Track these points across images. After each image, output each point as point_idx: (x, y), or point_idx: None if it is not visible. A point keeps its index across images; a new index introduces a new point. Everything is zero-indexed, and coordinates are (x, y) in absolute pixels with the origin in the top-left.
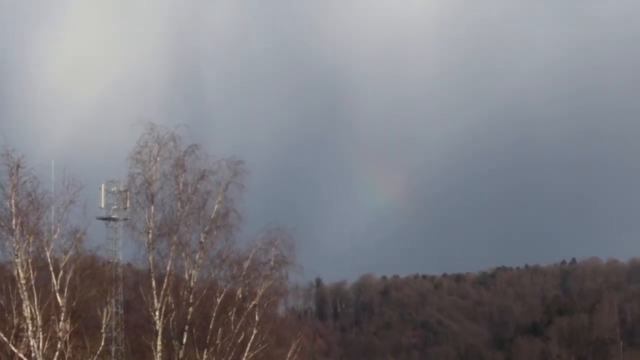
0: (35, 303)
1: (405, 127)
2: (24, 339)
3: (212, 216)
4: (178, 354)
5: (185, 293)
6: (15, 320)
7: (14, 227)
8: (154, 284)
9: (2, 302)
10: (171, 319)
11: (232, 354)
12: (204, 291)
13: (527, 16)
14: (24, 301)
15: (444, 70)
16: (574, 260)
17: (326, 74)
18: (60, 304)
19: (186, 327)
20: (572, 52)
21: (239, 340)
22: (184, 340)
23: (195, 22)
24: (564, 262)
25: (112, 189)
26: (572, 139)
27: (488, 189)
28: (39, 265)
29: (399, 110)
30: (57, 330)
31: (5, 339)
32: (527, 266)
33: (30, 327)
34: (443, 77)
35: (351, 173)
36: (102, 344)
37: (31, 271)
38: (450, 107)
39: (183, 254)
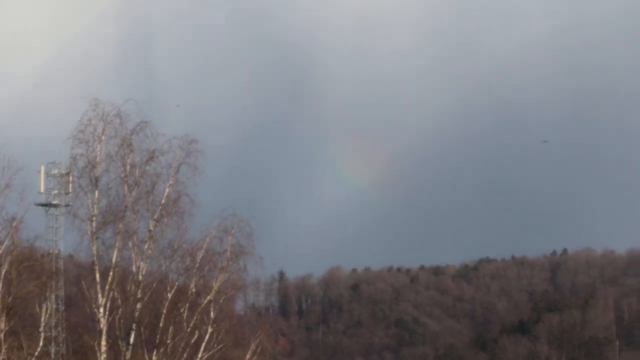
0: None
1: (380, 109)
2: None
3: (163, 201)
4: (125, 355)
5: (133, 287)
6: None
7: None
8: (98, 277)
9: None
10: (117, 316)
11: (185, 355)
12: (154, 285)
13: None
14: None
15: (421, 43)
16: (565, 251)
17: (292, 47)
18: None
19: (134, 326)
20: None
21: (193, 340)
22: (132, 340)
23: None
24: (554, 253)
25: (53, 172)
26: (562, 123)
27: (471, 175)
28: None
29: (373, 90)
30: None
31: None
32: (513, 258)
33: None
34: (421, 50)
35: (319, 160)
36: (41, 344)
37: None
38: (431, 87)
39: (130, 244)
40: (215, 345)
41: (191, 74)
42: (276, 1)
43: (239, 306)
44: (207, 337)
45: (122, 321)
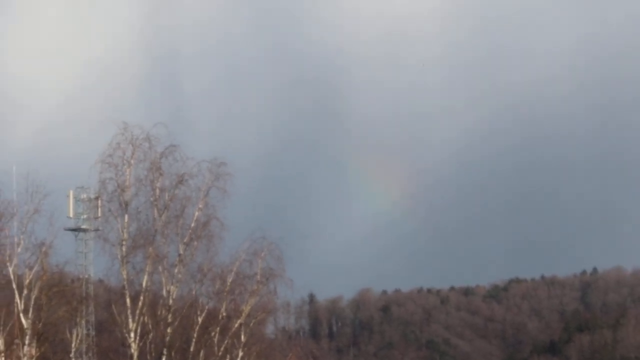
0: None
1: (408, 125)
2: None
3: (192, 225)
4: None
5: (164, 312)
6: None
7: None
8: (128, 302)
9: None
10: (148, 341)
11: None
12: (184, 309)
13: None
14: None
15: (450, 59)
16: (595, 270)
17: (320, 65)
18: (25, 326)
19: (164, 350)
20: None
21: None
22: None
23: (170, 10)
24: (584, 272)
25: (81, 197)
26: (592, 136)
27: (500, 193)
28: (1, 283)
29: (401, 107)
30: (22, 355)
31: None
32: (543, 277)
33: None
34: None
35: (347, 177)
36: None
37: None
38: (458, 103)
39: (160, 268)
40: None
41: (217, 87)
42: (305, 15)
43: (270, 329)
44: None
45: (152, 346)
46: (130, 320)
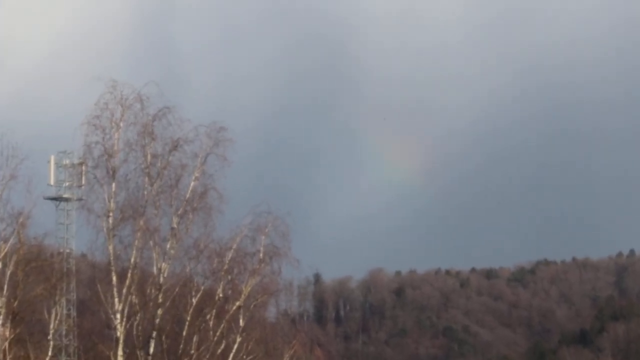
0: None
1: (425, 89)
2: None
3: (188, 196)
4: None
5: (154, 291)
6: None
7: None
8: (114, 279)
9: None
10: (135, 323)
11: None
12: (177, 289)
13: None
14: None
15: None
16: (632, 252)
17: (327, 24)
18: (0, 305)
19: (154, 334)
20: None
21: (219, 351)
22: (151, 349)
23: None
24: (620, 254)
25: (64, 162)
26: (625, 104)
27: (525, 166)
28: None
29: (417, 69)
30: None
31: None
32: (574, 260)
33: None
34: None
35: (357, 145)
36: (50, 353)
37: None
38: (480, 65)
39: (151, 243)
40: (245, 357)
41: (215, 45)
42: None
43: (271, 313)
44: (235, 347)
45: (140, 329)
46: (116, 300)
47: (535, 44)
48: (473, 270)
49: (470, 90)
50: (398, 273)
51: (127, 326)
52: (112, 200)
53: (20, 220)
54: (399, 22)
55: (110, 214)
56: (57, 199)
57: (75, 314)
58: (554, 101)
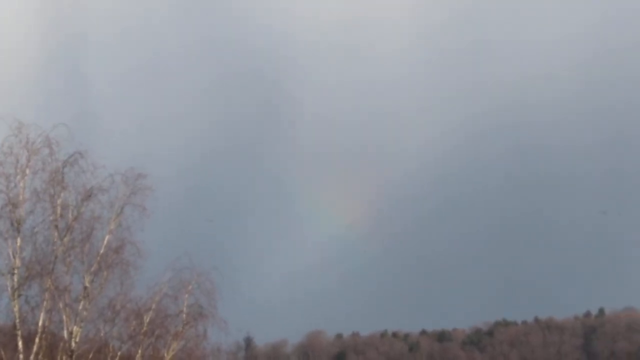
0: None
1: (369, 129)
2: None
3: (102, 251)
4: None
5: (65, 358)
6: None
7: None
8: (20, 345)
9: None
10: None
11: None
12: (90, 355)
13: None
14: None
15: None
16: (601, 311)
17: (258, 58)
18: None
19: None
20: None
21: None
22: None
23: None
24: (588, 314)
25: None
26: (595, 149)
27: (482, 217)
28: None
29: (361, 107)
30: None
31: None
32: (537, 320)
33: None
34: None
35: (292, 194)
36: None
37: None
38: (431, 104)
39: (61, 304)
40: None
41: (133, 83)
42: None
43: None
44: None
45: None
46: None
47: (491, 81)
48: (423, 332)
49: (421, 129)
50: (339, 336)
51: None
52: (17, 256)
53: None
54: (340, 56)
55: (15, 272)
56: None
57: None
58: (513, 143)
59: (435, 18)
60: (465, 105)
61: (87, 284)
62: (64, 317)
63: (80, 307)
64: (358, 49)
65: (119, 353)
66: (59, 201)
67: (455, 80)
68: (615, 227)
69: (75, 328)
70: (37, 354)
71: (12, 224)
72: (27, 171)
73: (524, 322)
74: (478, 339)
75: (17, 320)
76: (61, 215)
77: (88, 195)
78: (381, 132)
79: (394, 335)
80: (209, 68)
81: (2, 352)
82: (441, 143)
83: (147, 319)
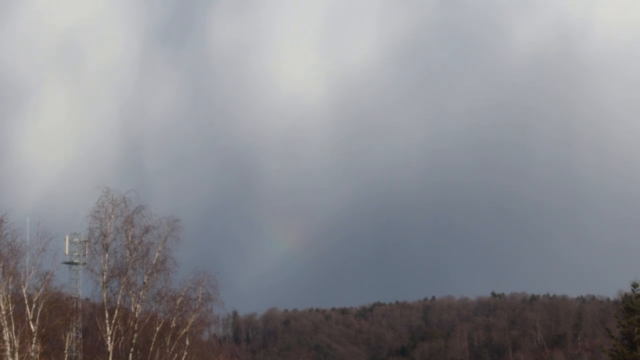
0: (13, 330)
1: (301, 195)
2: (4, 359)
3: (154, 262)
4: None
5: (132, 322)
6: None
7: None
8: (107, 315)
9: None
10: (120, 342)
11: None
12: (146, 321)
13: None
14: (3, 328)
15: (332, 149)
16: (433, 297)
17: (241, 153)
18: (33, 331)
19: (132, 349)
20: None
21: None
22: (130, 359)
23: (140, 112)
24: (425, 299)
25: (75, 240)
26: (427, 207)
27: (366, 243)
28: (17, 300)
29: (296, 183)
30: (30, 351)
31: None
32: (397, 302)
33: (8, 349)
34: (331, 154)
35: (261, 231)
36: None
37: (10, 304)
38: (335, 180)
39: (130, 292)
40: None
41: (171, 166)
42: (228, 119)
43: (206, 336)
44: (183, 358)
45: (123, 346)
46: (107, 327)
47: (376, 165)
48: (333, 309)
49: (327, 198)
50: (286, 310)
51: (115, 344)
52: (105, 264)
53: (47, 277)
54: (285, 155)
55: (104, 273)
56: (70, 263)
57: (81, 336)
58: (385, 203)
59: (340, 126)
60: (345, 185)
61: (145, 281)
62: (132, 299)
63: (141, 294)
64: (297, 150)
65: (162, 320)
66: (130, 234)
67: (339, 169)
68: (440, 250)
69: (138, 306)
70: (116, 320)
71: (103, 246)
72: (112, 216)
73: (390, 303)
74: (364, 313)
75: (105, 301)
76: (131, 242)
77: (146, 231)
78: (304, 199)
79: (317, 310)
80: (214, 160)
81: (97, 319)
82: (335, 205)
83: (178, 301)
